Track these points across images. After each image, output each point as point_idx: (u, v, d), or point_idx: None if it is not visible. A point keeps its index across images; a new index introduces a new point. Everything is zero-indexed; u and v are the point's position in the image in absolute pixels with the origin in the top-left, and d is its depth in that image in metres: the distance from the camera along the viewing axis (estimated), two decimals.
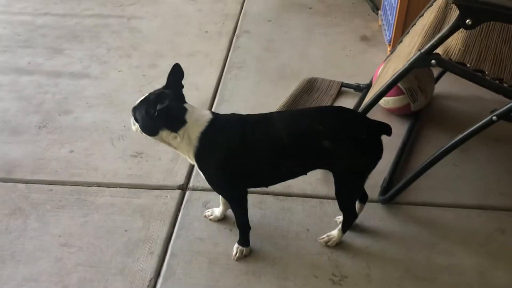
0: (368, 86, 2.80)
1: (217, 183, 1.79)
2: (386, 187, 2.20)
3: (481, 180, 2.31)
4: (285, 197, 2.21)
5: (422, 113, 2.71)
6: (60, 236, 2.03)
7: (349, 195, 1.85)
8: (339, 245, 1.98)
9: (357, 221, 2.05)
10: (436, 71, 2.82)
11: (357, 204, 2.00)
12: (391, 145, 2.48)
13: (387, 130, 1.75)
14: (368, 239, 2.03)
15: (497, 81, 1.68)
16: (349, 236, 2.01)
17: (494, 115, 1.70)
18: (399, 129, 2.59)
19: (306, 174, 1.82)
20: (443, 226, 2.08)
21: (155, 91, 1.73)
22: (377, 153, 1.75)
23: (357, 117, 1.81)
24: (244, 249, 1.92)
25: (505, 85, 1.68)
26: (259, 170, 1.75)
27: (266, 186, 1.85)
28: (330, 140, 1.67)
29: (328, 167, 1.78)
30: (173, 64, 1.74)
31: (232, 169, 1.71)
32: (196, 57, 3.31)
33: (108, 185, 2.28)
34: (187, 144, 1.71)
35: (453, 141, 1.87)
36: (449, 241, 2.01)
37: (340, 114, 1.79)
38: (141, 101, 1.71)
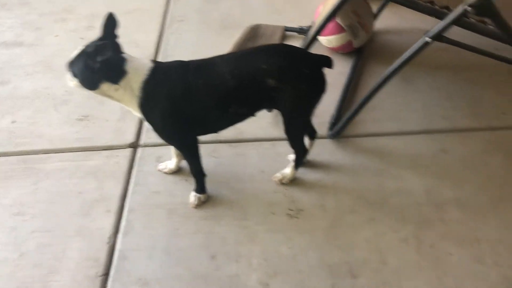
0: (311, 28, 2.80)
1: (165, 133, 1.78)
2: (334, 123, 2.26)
3: (424, 107, 2.41)
4: (238, 143, 2.23)
5: (365, 49, 2.75)
6: (11, 206, 1.98)
7: (297, 131, 1.88)
8: (293, 181, 2.04)
9: (309, 157, 2.10)
10: (375, 6, 2.86)
11: (307, 141, 2.04)
12: (337, 82, 2.53)
13: (328, 62, 1.78)
14: (321, 173, 2.09)
15: (428, 4, 1.72)
16: (302, 172, 2.07)
17: (426, 36, 1.74)
18: (344, 67, 2.64)
19: (254, 115, 1.83)
20: (391, 154, 2.17)
21: (91, 43, 1.67)
22: (321, 86, 1.77)
23: (299, 53, 1.82)
24: (201, 196, 1.95)
25: (436, 7, 1.72)
26: (206, 115, 1.75)
27: (216, 131, 1.85)
28: (274, 78, 1.68)
29: (275, 105, 1.79)
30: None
31: (178, 116, 1.70)
32: (135, 14, 3.20)
33: (56, 151, 2.23)
34: (130, 96, 1.68)
35: (391, 68, 1.91)
36: (397, 167, 2.11)
37: (282, 51, 1.79)
38: (78, 55, 1.65)
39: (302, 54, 1.82)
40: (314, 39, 2.04)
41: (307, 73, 1.73)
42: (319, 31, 2.03)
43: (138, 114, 1.74)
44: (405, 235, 1.84)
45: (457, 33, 1.97)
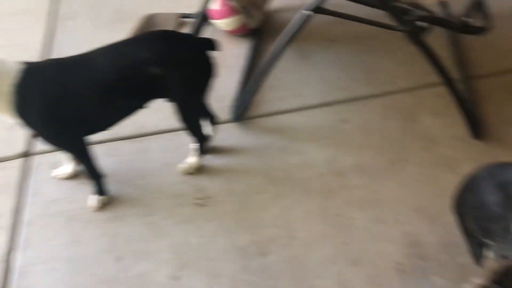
0: (202, 12, 2.75)
1: (49, 137, 1.67)
2: (236, 106, 2.24)
3: (322, 81, 2.45)
4: (138, 138, 2.16)
5: (263, 29, 2.75)
6: None
7: (192, 119, 1.84)
8: (199, 170, 2.00)
9: (214, 143, 2.08)
10: None
11: (208, 127, 2.02)
12: (236, 65, 2.51)
13: (212, 45, 1.75)
14: (226, 158, 2.07)
15: None
16: (208, 159, 2.04)
17: (304, 10, 1.76)
18: (243, 48, 2.62)
19: (144, 107, 1.77)
20: (293, 130, 2.19)
21: None
22: (208, 70, 1.74)
23: (180, 38, 1.77)
24: (102, 197, 1.86)
25: None
26: (90, 113, 1.66)
27: (105, 129, 1.76)
28: (158, 65, 1.63)
29: (164, 94, 1.74)
30: None
31: (59, 118, 1.60)
32: (20, 15, 2.99)
33: None
34: (3, 102, 1.56)
35: (276, 46, 1.92)
36: (299, 142, 2.13)
37: (164, 37, 1.73)
38: None
39: (184, 39, 1.77)
40: (200, 23, 2.00)
41: (191, 57, 1.69)
42: (203, 16, 1.98)
43: (16, 121, 1.62)
44: (311, 207, 1.87)
45: (341, 4, 2.02)
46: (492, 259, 1.44)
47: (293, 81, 2.45)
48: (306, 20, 1.79)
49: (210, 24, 2.68)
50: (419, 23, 1.71)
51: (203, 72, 1.73)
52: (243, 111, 2.19)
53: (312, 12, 1.74)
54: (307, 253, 1.72)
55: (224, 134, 2.15)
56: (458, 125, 2.12)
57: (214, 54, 1.76)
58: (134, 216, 1.85)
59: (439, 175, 1.95)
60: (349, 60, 2.58)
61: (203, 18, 2.00)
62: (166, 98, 1.75)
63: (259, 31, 2.72)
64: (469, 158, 2.00)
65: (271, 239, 1.77)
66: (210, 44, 1.73)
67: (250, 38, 2.69)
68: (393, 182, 1.94)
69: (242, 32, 2.67)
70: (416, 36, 1.77)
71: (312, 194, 1.92)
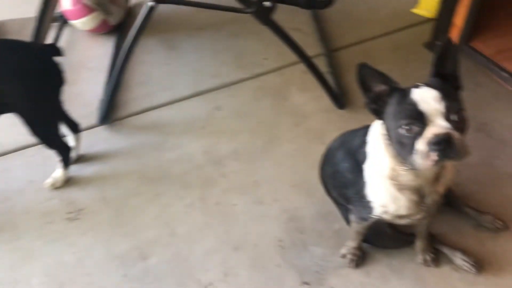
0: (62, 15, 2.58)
1: None
2: (106, 109, 2.13)
3: (192, 70, 2.41)
4: None
5: (126, 24, 2.64)
6: None
7: (45, 131, 1.71)
8: (68, 182, 1.88)
9: (83, 150, 1.97)
10: None
11: (71, 136, 1.90)
12: (101, 65, 2.39)
13: (57, 51, 1.63)
14: (98, 164, 1.97)
15: None
16: (77, 169, 1.92)
17: (149, 2, 1.70)
18: (108, 47, 2.50)
19: None
20: (167, 124, 2.14)
21: None
22: (54, 78, 1.62)
23: (20, 47, 1.63)
24: None
25: None
26: None
27: None
28: None
29: (7, 109, 1.60)
30: None
31: None
32: None
33: None
34: None
35: (127, 42, 1.84)
36: (174, 136, 2.08)
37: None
38: None
39: (25, 48, 1.63)
40: (39, 28, 1.85)
41: (30, 66, 1.56)
42: (41, 19, 1.84)
43: None
44: (190, 200, 1.84)
45: None
46: (354, 222, 1.51)
47: (162, 75, 2.38)
48: (151, 11, 1.72)
49: (70, 25, 2.52)
50: (264, 3, 1.72)
51: (47, 80, 1.61)
52: (109, 112, 2.09)
53: (154, 2, 1.68)
54: (189, 248, 1.69)
55: (92, 140, 2.04)
56: (324, 98, 2.20)
57: (60, 59, 1.65)
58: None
59: (311, 148, 2.01)
60: (218, 46, 2.56)
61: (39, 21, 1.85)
62: (12, 112, 1.61)
63: (123, 27, 2.61)
64: (337, 128, 2.06)
65: (151, 241, 1.71)
66: (54, 50, 1.61)
67: (114, 36, 2.57)
68: (270, 162, 1.97)
69: (104, 30, 2.54)
70: (264, 16, 1.79)
71: (191, 187, 1.89)
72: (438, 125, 1.06)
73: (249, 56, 2.49)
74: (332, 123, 2.11)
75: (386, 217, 1.36)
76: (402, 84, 1.18)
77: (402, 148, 1.14)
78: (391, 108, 1.15)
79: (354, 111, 2.16)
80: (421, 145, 1.08)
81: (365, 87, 1.17)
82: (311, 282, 1.59)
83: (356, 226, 1.51)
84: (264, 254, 1.67)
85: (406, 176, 1.23)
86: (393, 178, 1.25)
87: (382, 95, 1.17)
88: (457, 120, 1.08)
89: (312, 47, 2.50)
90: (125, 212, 1.80)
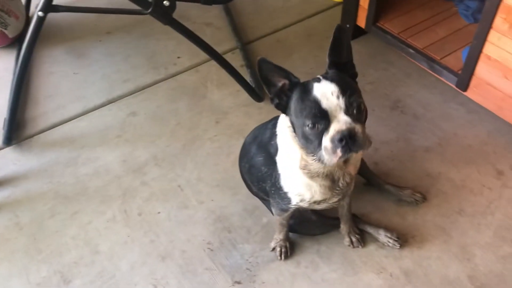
0: None
1: None
2: (10, 128, 1.99)
3: (103, 77, 2.31)
4: None
5: (17, 36, 2.46)
6: None
7: None
8: None
9: None
10: None
11: None
12: (4, 81, 2.23)
13: None
14: (8, 188, 1.84)
15: None
16: None
17: (38, 11, 1.60)
18: (9, 62, 2.34)
19: None
20: (80, 137, 2.03)
21: None
22: None
23: None
24: None
25: None
26: None
27: None
28: None
29: None
30: None
31: None
32: None
33: None
34: None
35: (21, 56, 1.72)
36: (89, 149, 1.98)
37: None
38: None
39: None
40: None
41: None
42: None
43: None
44: (111, 214, 1.76)
45: None
46: (276, 214, 1.51)
47: (72, 85, 2.26)
48: (41, 21, 1.62)
49: None
50: (164, 2, 1.66)
51: None
52: (14, 131, 1.96)
53: (43, 13, 1.58)
54: (114, 265, 1.62)
55: (1, 163, 1.90)
56: (243, 92, 2.18)
57: None
58: None
59: (233, 145, 1.98)
60: (129, 49, 2.47)
61: None
62: None
63: (24, 38, 2.44)
64: (257, 121, 2.04)
65: (73, 262, 1.62)
66: None
67: (15, 48, 2.40)
68: (192, 164, 1.93)
69: (3, 43, 2.37)
70: (164, 16, 1.73)
71: (111, 200, 1.80)
72: (341, 121, 1.08)
73: (162, 56, 2.42)
74: (252, 117, 2.09)
75: (304, 205, 1.37)
76: (318, 71, 1.18)
77: (308, 144, 1.16)
78: (294, 104, 1.15)
79: None
80: (326, 142, 1.10)
81: (268, 82, 1.16)
82: (243, 281, 1.57)
83: (279, 218, 1.51)
84: (193, 259, 1.63)
85: (316, 165, 1.23)
86: (304, 168, 1.26)
87: (284, 89, 1.17)
88: (357, 112, 1.10)
89: (226, 41, 2.47)
90: (42, 236, 1.69)
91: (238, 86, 2.17)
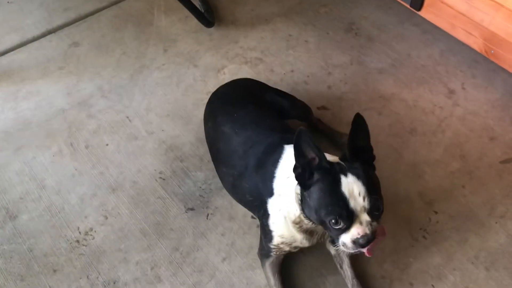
0: None
1: None
2: None
3: (41, 6, 2.14)
4: None
5: None
6: None
7: None
8: None
9: None
10: None
11: None
12: None
13: None
14: None
15: None
16: None
17: None
18: None
19: None
20: (20, 71, 1.91)
21: None
22: None
23: None
24: None
25: None
26: None
27: None
28: None
29: None
30: None
31: None
32: None
33: None
34: None
35: None
36: (30, 82, 1.87)
37: None
38: None
39: None
40: None
41: None
42: None
43: None
44: (57, 148, 1.69)
45: None
46: (261, 256, 1.43)
47: (7, 15, 2.10)
48: None
49: None
50: None
51: None
52: None
53: None
54: (63, 198, 1.57)
55: None
56: (192, 18, 2.06)
57: None
58: None
59: (183, 73, 1.90)
60: None
61: None
62: None
63: None
64: (208, 48, 1.99)
65: (19, 198, 1.57)
66: None
67: None
68: (140, 94, 1.85)
69: None
70: None
71: (56, 134, 1.73)
72: (363, 224, 1.10)
73: None
74: (202, 44, 2.00)
75: (285, 247, 1.34)
76: None
77: (324, 228, 1.17)
78: (318, 192, 1.13)
79: (224, 28, 2.07)
80: (347, 240, 1.12)
81: (300, 153, 1.13)
82: (196, 207, 1.56)
83: (266, 270, 1.41)
84: (144, 190, 1.60)
85: (310, 224, 1.24)
86: (297, 223, 1.26)
87: (312, 166, 1.14)
88: (378, 213, 1.12)
89: None
90: None
91: (186, 12, 2.05)
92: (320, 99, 1.82)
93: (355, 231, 1.10)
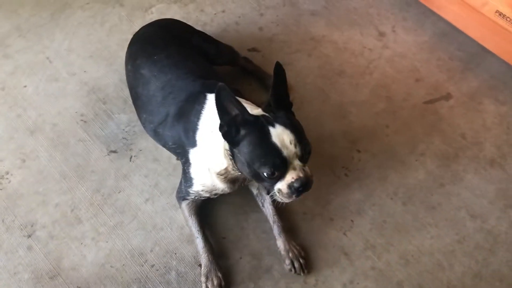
0: None
1: None
2: None
3: None
4: None
5: None
6: None
7: None
8: None
9: None
10: None
11: None
12: None
13: None
14: None
15: None
16: None
17: None
18: None
19: None
20: None
21: None
22: None
23: None
24: None
25: None
26: None
27: None
28: None
29: None
30: None
31: None
32: None
33: None
34: None
35: None
36: None
37: None
38: None
39: None
40: None
41: None
42: None
43: None
44: None
45: None
46: (178, 198, 1.43)
47: None
48: None
49: None
50: None
51: None
52: None
53: None
54: None
55: None
56: None
57: None
58: None
59: (108, 13, 1.81)
60: None
61: None
62: None
63: None
64: None
65: None
66: None
67: None
68: (61, 34, 1.75)
69: None
70: None
71: None
72: (297, 168, 1.12)
73: None
74: None
75: (204, 194, 1.34)
76: None
77: (257, 180, 1.17)
78: (248, 146, 1.12)
79: None
80: (283, 186, 1.13)
81: (222, 110, 1.10)
82: (119, 150, 1.52)
83: (183, 210, 1.39)
84: (65, 132, 1.54)
85: (235, 173, 1.23)
86: (222, 174, 1.26)
87: (236, 121, 1.12)
88: (308, 157, 1.15)
89: None
90: None
91: None
92: (251, 40, 1.79)
93: (289, 177, 1.12)
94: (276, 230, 1.38)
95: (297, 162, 1.12)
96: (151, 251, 1.36)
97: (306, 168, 1.14)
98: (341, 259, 1.37)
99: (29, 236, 1.36)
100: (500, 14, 1.62)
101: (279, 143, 1.10)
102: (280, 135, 1.10)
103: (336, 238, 1.41)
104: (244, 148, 1.12)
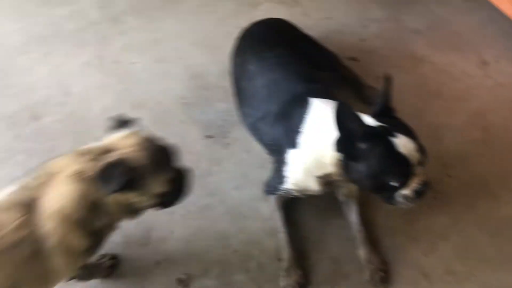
0: None
1: None
2: None
3: None
4: None
5: None
6: None
7: None
8: None
9: None
10: None
11: None
12: None
13: None
14: None
15: None
16: None
17: None
18: None
19: None
20: None
21: None
22: None
23: None
24: None
25: None
26: None
27: None
28: None
29: None
30: None
31: None
32: None
33: None
34: None
35: None
36: None
37: None
38: None
39: None
40: None
41: None
42: None
43: None
44: (86, 59, 1.70)
45: None
46: (265, 191, 1.45)
47: None
48: None
49: None
50: None
51: None
52: None
53: None
54: (86, 107, 1.59)
55: None
56: None
57: None
58: None
59: (218, 3, 1.89)
60: None
61: None
62: None
63: None
64: None
65: (44, 100, 1.59)
66: None
67: None
68: (172, 19, 1.84)
69: None
70: None
71: (86, 45, 1.74)
72: (420, 174, 1.14)
73: None
74: None
75: (294, 193, 1.36)
76: None
77: (376, 191, 1.19)
78: (377, 159, 1.12)
79: None
80: (409, 192, 1.15)
81: (343, 129, 1.11)
82: (215, 135, 1.58)
83: (272, 203, 1.42)
84: (166, 111, 1.62)
85: (336, 177, 1.23)
86: (321, 177, 1.27)
87: (356, 136, 1.12)
88: (426, 160, 1.16)
89: None
90: (12, 72, 1.64)
91: None
92: (352, 50, 1.80)
93: (415, 182, 1.14)
94: (359, 239, 1.39)
95: (420, 169, 1.14)
96: (235, 237, 1.40)
97: (424, 171, 1.16)
98: (420, 280, 1.36)
99: None
100: None
101: (406, 152, 1.11)
102: (405, 144, 1.11)
103: (417, 258, 1.39)
104: (370, 161, 1.13)
